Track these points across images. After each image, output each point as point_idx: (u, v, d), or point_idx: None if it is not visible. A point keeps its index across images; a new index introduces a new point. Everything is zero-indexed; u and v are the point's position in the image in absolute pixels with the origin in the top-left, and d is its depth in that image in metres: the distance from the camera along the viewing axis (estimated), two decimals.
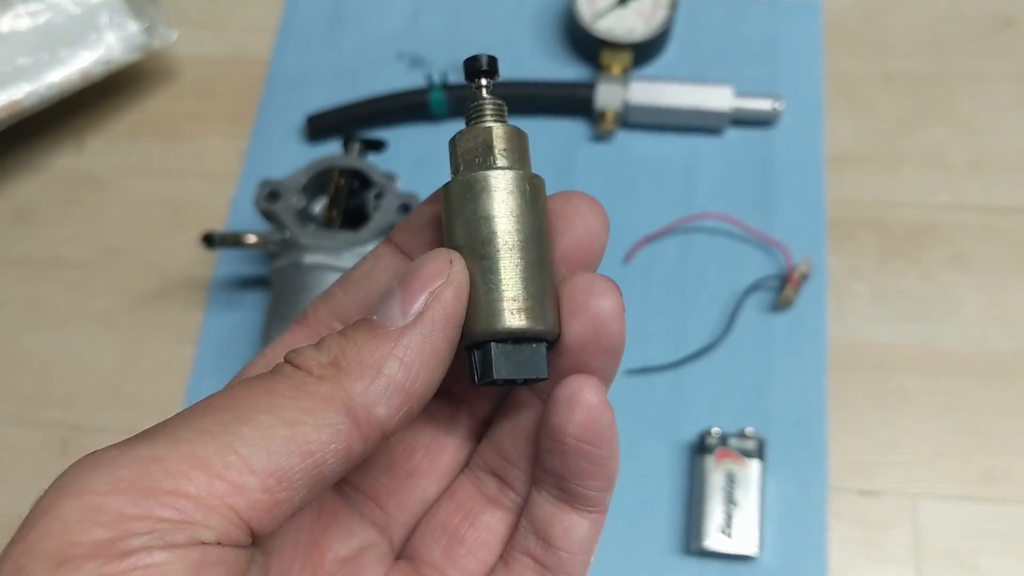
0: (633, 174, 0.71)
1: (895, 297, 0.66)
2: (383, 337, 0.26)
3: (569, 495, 0.29)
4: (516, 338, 0.27)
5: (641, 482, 0.62)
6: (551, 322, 0.27)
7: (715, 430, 0.60)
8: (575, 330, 0.27)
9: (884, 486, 0.60)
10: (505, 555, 0.29)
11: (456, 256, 0.27)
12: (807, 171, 0.70)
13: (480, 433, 0.31)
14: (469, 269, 0.27)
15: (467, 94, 0.29)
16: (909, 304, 0.66)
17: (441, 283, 0.26)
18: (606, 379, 0.29)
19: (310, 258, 0.60)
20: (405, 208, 0.60)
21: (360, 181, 0.64)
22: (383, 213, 0.60)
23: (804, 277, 0.65)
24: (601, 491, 0.29)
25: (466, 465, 0.31)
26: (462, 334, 0.27)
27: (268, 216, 0.62)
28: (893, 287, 0.66)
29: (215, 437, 0.24)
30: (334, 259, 0.59)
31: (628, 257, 0.69)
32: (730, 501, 0.58)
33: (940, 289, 0.66)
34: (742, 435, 0.60)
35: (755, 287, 0.66)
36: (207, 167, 0.75)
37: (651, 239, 0.69)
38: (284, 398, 0.24)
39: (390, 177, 0.64)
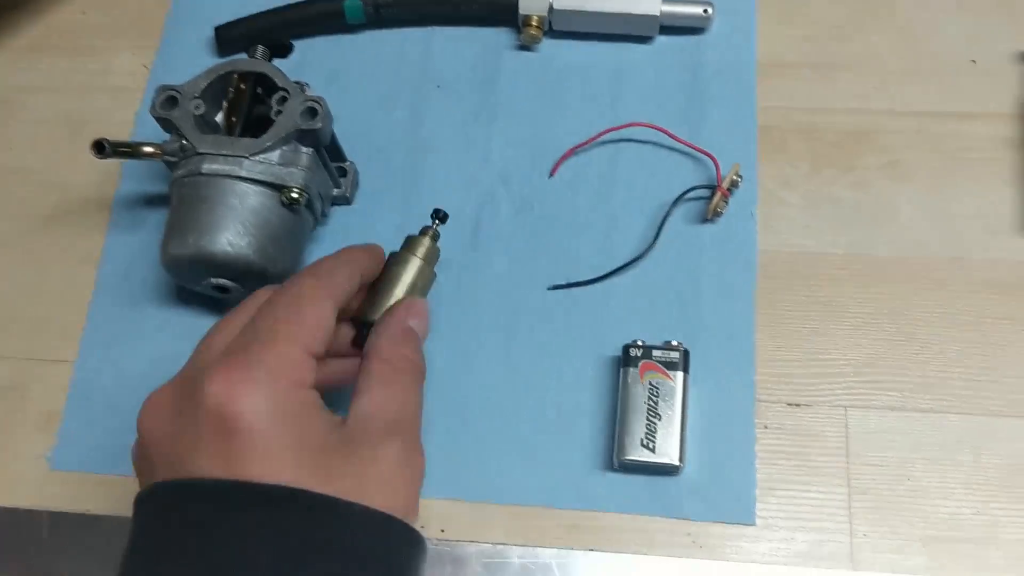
0: (559, 84, 0.68)
1: (827, 206, 0.64)
2: None
3: None
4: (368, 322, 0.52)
5: (564, 398, 0.59)
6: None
7: (639, 342, 0.58)
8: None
9: (814, 397, 0.58)
10: None
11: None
12: (738, 79, 0.67)
13: None
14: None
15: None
16: (842, 213, 0.63)
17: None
18: None
19: (208, 166, 0.56)
20: (311, 112, 0.57)
21: (264, 87, 0.60)
22: (286, 118, 0.57)
23: (734, 185, 0.62)
24: None
25: None
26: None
27: (165, 124, 0.58)
28: (825, 196, 0.64)
29: None
30: (234, 167, 0.56)
31: (553, 171, 0.66)
32: (654, 414, 0.56)
33: (874, 197, 0.64)
34: (667, 347, 0.58)
35: (683, 198, 0.63)
36: (112, 82, 0.71)
37: (577, 151, 0.66)
38: None
39: (300, 85, 0.60)
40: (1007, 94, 0.66)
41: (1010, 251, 0.61)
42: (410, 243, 0.57)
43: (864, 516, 0.56)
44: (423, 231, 0.57)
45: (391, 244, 0.63)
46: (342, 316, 0.49)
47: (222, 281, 0.57)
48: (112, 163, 0.68)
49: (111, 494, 0.58)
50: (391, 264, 0.55)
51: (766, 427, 0.58)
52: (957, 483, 0.56)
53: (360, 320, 0.54)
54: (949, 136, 0.65)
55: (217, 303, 0.62)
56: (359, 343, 0.52)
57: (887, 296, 0.61)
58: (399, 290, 0.54)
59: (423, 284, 0.56)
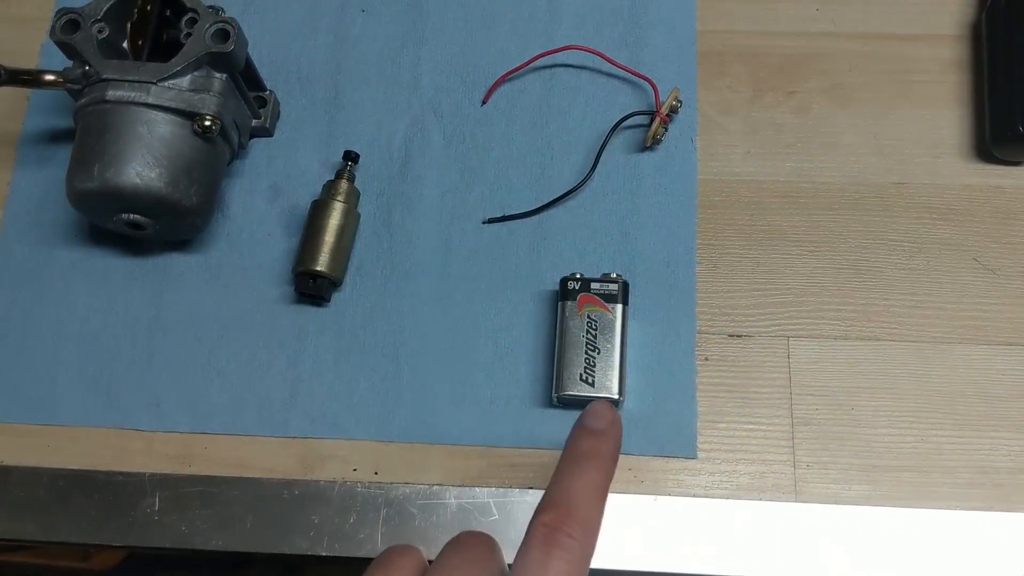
0: (491, 5, 0.65)
1: (769, 131, 0.61)
2: None
3: None
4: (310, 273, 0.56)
5: (500, 335, 0.57)
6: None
7: (577, 275, 0.56)
8: None
9: (756, 328, 0.57)
10: None
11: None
12: (678, 0, 0.64)
13: None
14: None
15: None
16: (784, 138, 0.61)
17: None
18: None
19: (113, 93, 0.52)
20: (222, 34, 0.53)
21: (173, 9, 0.56)
22: (195, 40, 0.53)
23: (674, 111, 0.60)
24: None
25: None
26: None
27: (68, 50, 0.54)
28: (767, 121, 0.62)
29: None
30: (141, 94, 0.52)
31: (485, 99, 0.63)
32: (592, 348, 0.54)
33: (817, 122, 0.62)
34: (605, 279, 0.55)
35: (622, 125, 0.61)
36: (15, 11, 0.67)
37: (510, 77, 0.63)
38: None
39: (214, 9, 0.56)
40: (951, 15, 0.64)
41: (954, 176, 0.60)
42: (329, 188, 0.58)
43: (807, 447, 0.54)
44: (338, 174, 0.58)
45: (315, 177, 0.61)
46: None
47: (134, 217, 0.54)
48: (17, 97, 0.64)
49: (21, 443, 0.55)
50: (315, 213, 0.57)
51: (707, 359, 0.56)
52: (900, 411, 0.55)
53: (300, 272, 0.56)
54: (892, 58, 0.63)
55: (132, 242, 0.59)
56: (302, 292, 0.56)
57: (830, 224, 0.59)
58: (329, 236, 0.56)
59: (350, 226, 0.57)
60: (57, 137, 0.62)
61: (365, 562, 0.36)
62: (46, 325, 0.58)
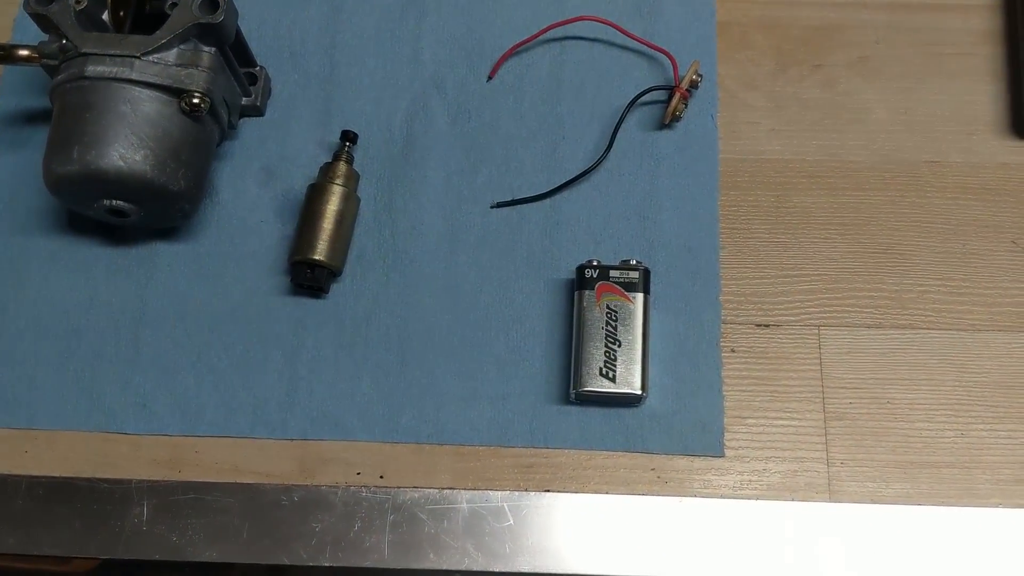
0: None
1: (793, 107, 0.58)
2: None
3: None
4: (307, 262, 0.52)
5: (512, 326, 0.53)
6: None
7: (594, 262, 0.52)
8: None
9: (784, 317, 0.53)
10: None
11: None
12: None
13: None
14: None
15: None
16: (809, 115, 0.58)
17: None
18: None
19: (93, 68, 0.48)
20: (211, 4, 0.49)
21: None
22: (182, 10, 0.49)
23: (694, 86, 0.56)
24: None
25: None
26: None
27: (43, 23, 0.50)
28: (791, 96, 0.58)
29: None
30: (124, 69, 0.48)
31: (492, 73, 0.59)
32: (613, 340, 0.50)
33: (843, 97, 0.58)
34: (625, 266, 0.52)
35: (638, 101, 0.57)
36: None
37: (518, 50, 0.59)
38: None
39: None
40: None
41: (990, 153, 0.57)
42: (326, 171, 0.54)
43: (841, 442, 0.51)
44: (336, 156, 0.54)
45: (310, 159, 0.57)
46: None
47: (117, 203, 0.50)
48: None
49: None
50: (311, 198, 0.53)
51: (733, 350, 0.53)
52: (938, 404, 0.52)
53: (297, 261, 0.52)
54: (922, 29, 0.60)
55: (115, 231, 0.55)
56: (299, 283, 0.52)
57: (860, 205, 0.56)
58: (327, 223, 0.52)
59: (350, 211, 0.54)
60: (32, 118, 0.58)
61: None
62: (23, 320, 0.54)
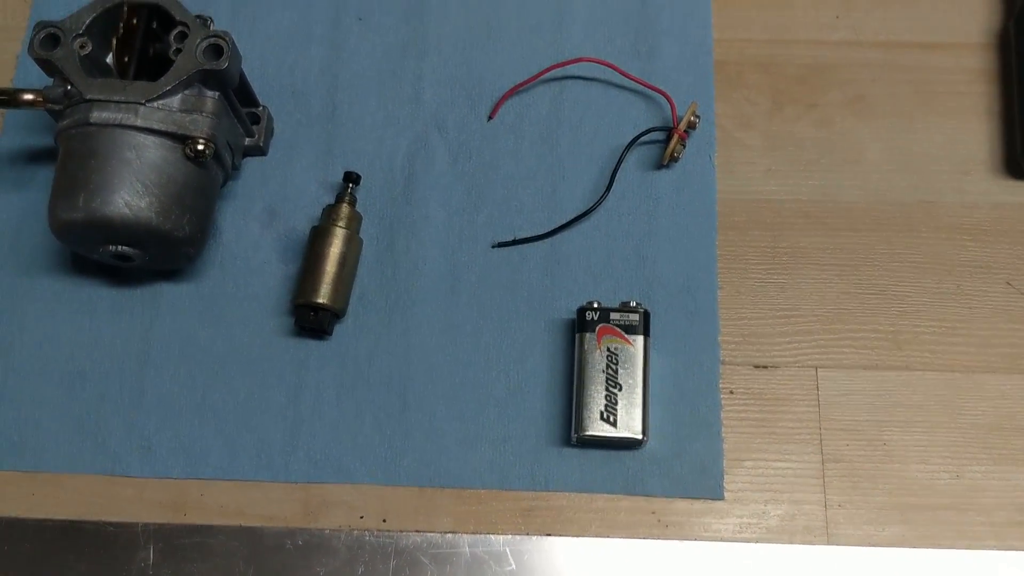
0: (495, 13, 0.62)
1: (789, 147, 0.59)
2: None
3: None
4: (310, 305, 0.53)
5: (513, 368, 0.54)
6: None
7: (595, 304, 0.52)
8: None
9: (782, 358, 0.54)
10: None
11: None
12: (691, 7, 0.61)
13: None
14: None
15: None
16: (805, 154, 0.58)
17: None
18: None
19: (98, 115, 0.49)
20: (215, 50, 0.49)
21: (160, 21, 0.52)
22: (187, 56, 0.49)
23: (692, 127, 0.57)
24: None
25: None
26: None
27: (47, 67, 0.51)
28: (787, 135, 0.59)
29: None
30: (128, 115, 0.49)
31: (492, 113, 0.59)
32: (613, 384, 0.51)
33: (838, 136, 0.59)
34: (625, 308, 0.52)
35: (637, 142, 0.57)
36: None
37: (518, 90, 0.59)
38: None
39: (203, 19, 0.52)
40: (976, 23, 0.62)
41: (984, 194, 0.57)
42: (330, 213, 0.54)
43: (838, 484, 0.52)
44: (339, 198, 0.55)
45: (312, 199, 0.57)
46: None
47: (122, 248, 0.50)
48: None
49: (2, 492, 0.51)
50: (315, 241, 0.53)
51: (732, 392, 0.53)
52: (934, 446, 0.52)
53: (300, 304, 0.53)
54: (916, 68, 0.61)
55: (119, 271, 0.55)
56: (302, 326, 0.53)
57: (855, 245, 0.56)
58: (330, 265, 0.53)
59: (352, 253, 0.54)
60: (36, 157, 0.58)
61: None
62: (27, 362, 0.54)
